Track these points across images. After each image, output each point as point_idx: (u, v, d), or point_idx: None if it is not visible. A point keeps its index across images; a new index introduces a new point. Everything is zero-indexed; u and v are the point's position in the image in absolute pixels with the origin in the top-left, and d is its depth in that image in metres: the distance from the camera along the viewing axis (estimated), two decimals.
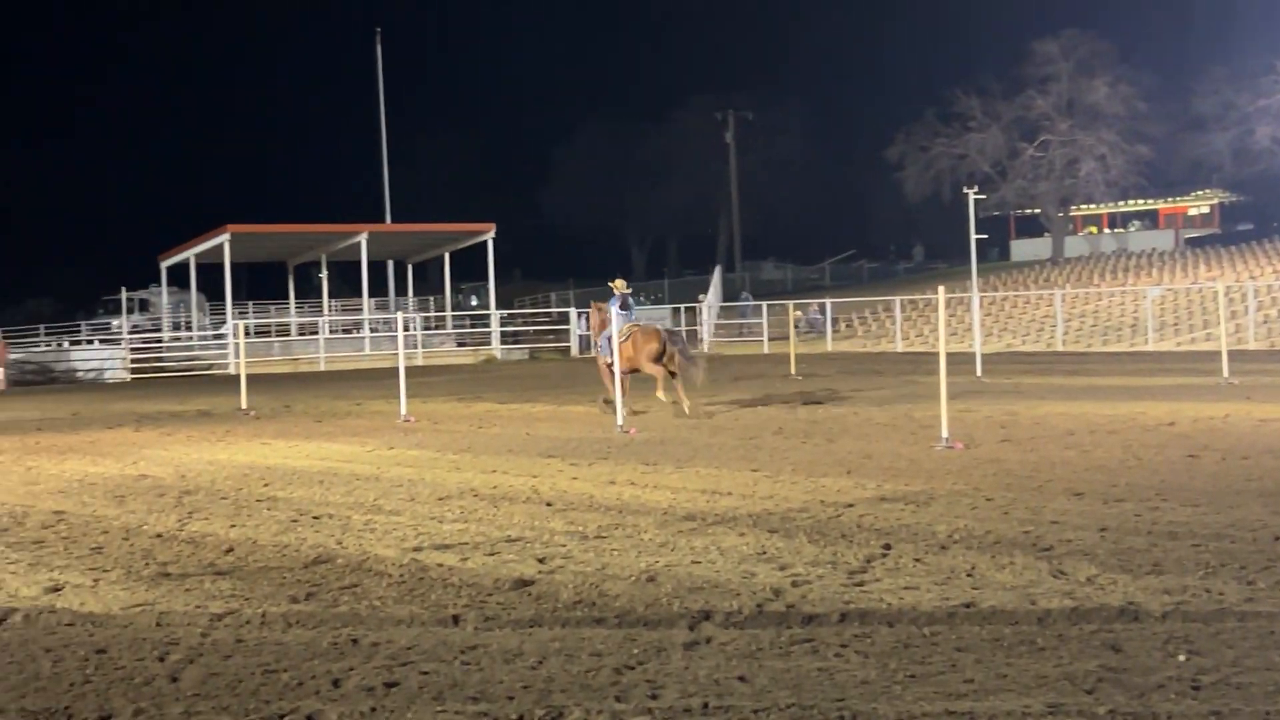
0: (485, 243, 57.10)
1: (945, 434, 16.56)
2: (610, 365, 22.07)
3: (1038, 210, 76.11)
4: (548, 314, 65.83)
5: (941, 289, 18.58)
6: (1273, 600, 7.82)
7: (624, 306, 23.05)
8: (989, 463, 14.79)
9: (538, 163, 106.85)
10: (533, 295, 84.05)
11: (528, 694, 6.51)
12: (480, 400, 28.37)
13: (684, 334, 24.52)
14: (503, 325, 57.14)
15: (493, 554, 10.15)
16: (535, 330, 60.78)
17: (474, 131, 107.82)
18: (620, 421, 20.11)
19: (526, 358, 54.07)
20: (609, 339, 22.12)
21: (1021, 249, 79.32)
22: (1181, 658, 6.70)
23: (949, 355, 18.44)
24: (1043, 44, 70.47)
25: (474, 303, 74.83)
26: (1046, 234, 76.47)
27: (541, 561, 9.76)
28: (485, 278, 58.76)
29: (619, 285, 23.50)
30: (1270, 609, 7.59)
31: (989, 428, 18.70)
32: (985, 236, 53.74)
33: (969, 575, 8.81)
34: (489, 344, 55.06)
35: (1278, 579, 8.36)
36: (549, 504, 12.64)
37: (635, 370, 22.26)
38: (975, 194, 38.11)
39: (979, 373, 30.42)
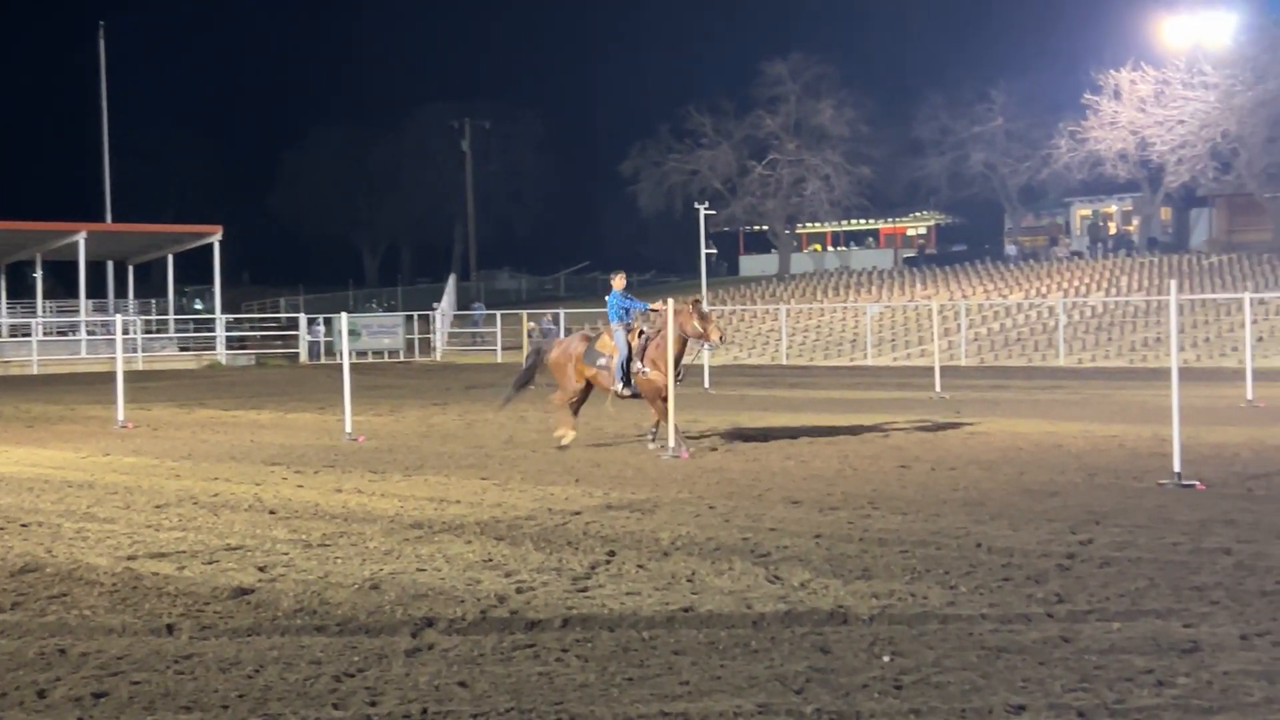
0: (211, 245, 55.62)
1: (673, 443, 16.85)
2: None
3: (765, 227, 78.00)
4: (276, 319, 64.51)
5: (670, 301, 18.89)
6: (973, 604, 8.21)
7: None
8: (712, 471, 15.13)
9: (269, 166, 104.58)
10: (261, 300, 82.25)
11: (243, 703, 6.41)
12: (203, 407, 27.64)
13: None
14: (228, 330, 55.75)
15: (211, 562, 9.94)
16: (263, 336, 59.46)
17: (203, 132, 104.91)
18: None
19: (253, 364, 52.85)
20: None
21: (750, 265, 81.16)
22: (886, 658, 6.99)
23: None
24: (772, 65, 72.31)
25: (198, 306, 72.80)
26: (774, 250, 78.41)
27: (262, 570, 9.60)
28: (211, 281, 57.25)
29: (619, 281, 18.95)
30: (970, 612, 7.97)
31: (714, 438, 19.08)
32: (715, 251, 54.83)
33: (689, 581, 9.01)
34: (214, 349, 53.65)
35: (978, 583, 8.78)
36: (272, 512, 12.44)
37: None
38: (706, 209, 39.01)
39: (706, 384, 31.02)
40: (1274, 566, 9.11)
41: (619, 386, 17.90)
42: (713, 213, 45.50)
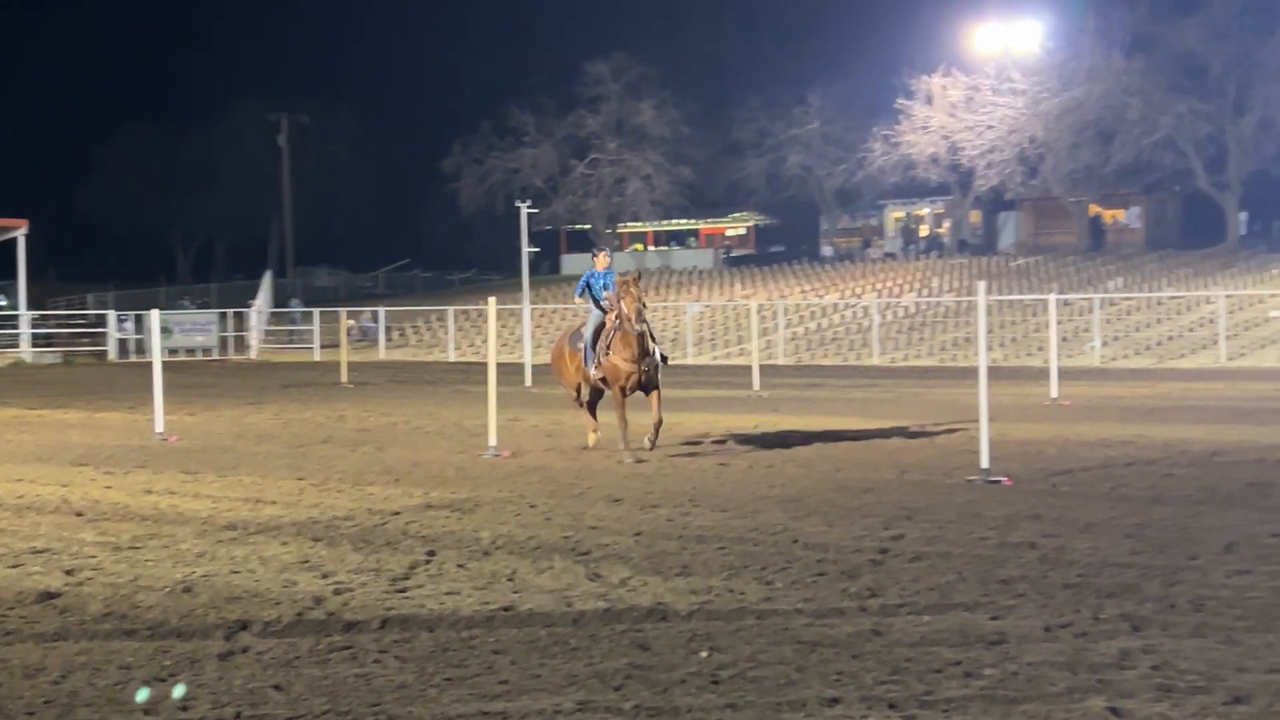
0: (15, 240, 53.81)
1: (493, 442, 16.81)
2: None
3: (588, 226, 78.13)
4: (84, 316, 62.72)
5: (492, 300, 18.86)
6: (789, 599, 8.35)
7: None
8: (534, 470, 15.12)
9: (77, 160, 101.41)
10: (68, 296, 79.81)
11: (49, 709, 6.25)
12: (6, 406, 26.73)
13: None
14: (34, 327, 54.00)
15: (16, 566, 9.64)
16: (70, 333, 57.71)
17: (6, 126, 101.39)
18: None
19: (60, 362, 51.30)
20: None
21: (572, 263, 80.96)
22: (704, 654, 7.07)
23: (500, 365, 18.73)
24: (593, 65, 72.44)
25: (1, 303, 70.43)
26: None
27: (69, 573, 9.34)
28: (14, 277, 55.38)
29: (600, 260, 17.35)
30: (786, 607, 8.11)
31: (536, 436, 19.09)
32: (538, 249, 54.71)
33: (509, 580, 9.00)
34: (17, 347, 51.93)
35: (794, 579, 8.93)
36: (79, 514, 12.10)
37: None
38: (528, 208, 38.95)
39: (529, 383, 31.03)
40: (1077, 560, 9.43)
41: (590, 369, 16.54)
42: (535, 210, 45.37)
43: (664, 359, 16.95)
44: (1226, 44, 57.89)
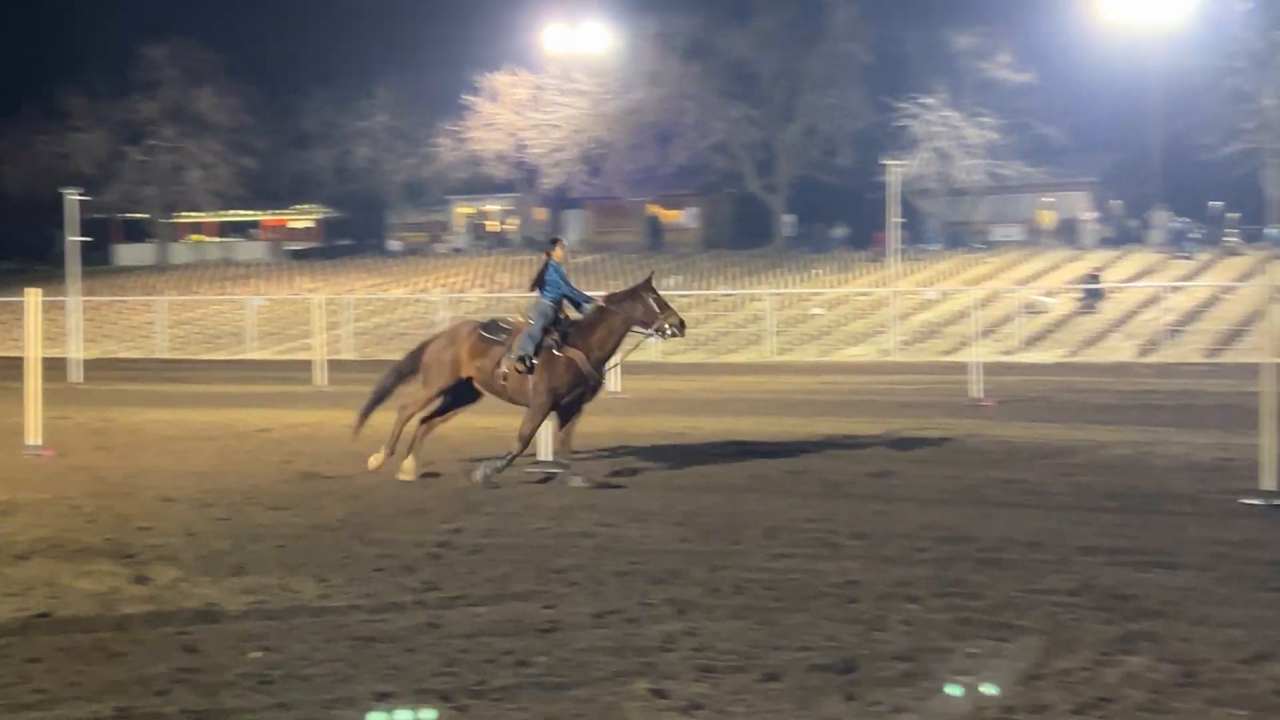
0: None
1: (36, 441, 15.97)
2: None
3: (144, 215, 75.15)
4: None
5: (34, 290, 17.92)
6: (346, 595, 8.27)
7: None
8: (80, 470, 14.45)
9: None
10: None
11: None
12: None
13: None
14: None
15: None
16: None
17: None
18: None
19: None
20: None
21: (126, 254, 77.70)
22: (255, 654, 6.91)
23: (46, 360, 17.81)
24: (151, 49, 69.75)
25: None
26: (152, 239, 75.68)
27: None
28: None
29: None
30: (341, 604, 8.03)
31: (83, 434, 18.27)
32: (89, 239, 52.25)
33: (48, 585, 8.56)
34: None
35: (352, 575, 8.86)
36: None
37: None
38: (78, 195, 37.21)
39: (78, 378, 29.58)
40: (629, 548, 9.73)
41: (514, 356, 13.27)
42: (86, 198, 43.44)
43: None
44: (775, 54, 61.16)
